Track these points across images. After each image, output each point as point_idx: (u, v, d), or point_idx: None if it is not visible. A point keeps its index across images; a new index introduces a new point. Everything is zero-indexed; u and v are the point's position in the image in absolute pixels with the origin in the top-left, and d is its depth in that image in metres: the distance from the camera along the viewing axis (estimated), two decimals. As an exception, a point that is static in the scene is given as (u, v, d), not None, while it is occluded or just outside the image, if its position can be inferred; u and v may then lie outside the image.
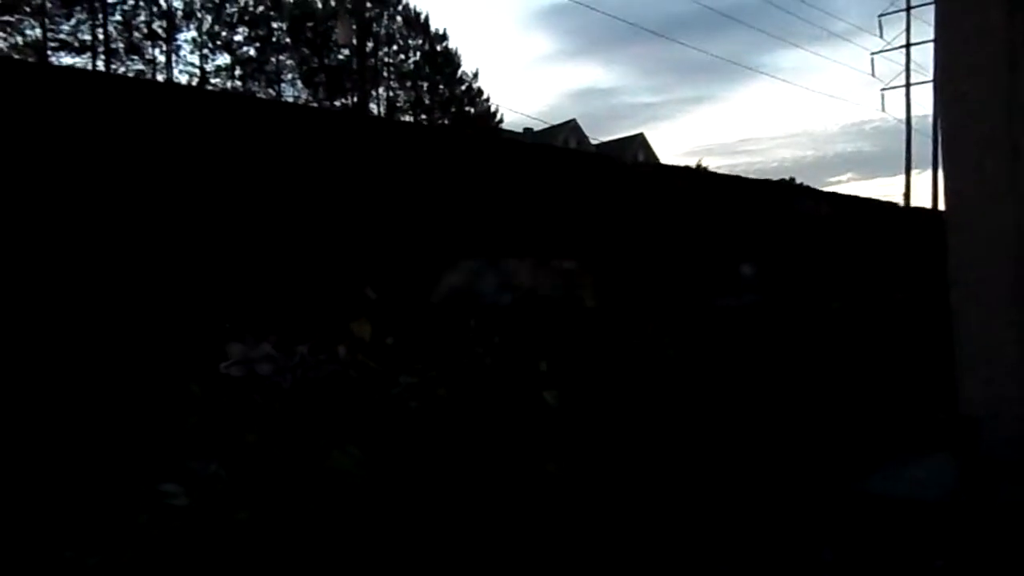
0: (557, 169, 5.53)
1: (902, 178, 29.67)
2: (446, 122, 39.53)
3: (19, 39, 30.36)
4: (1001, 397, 3.23)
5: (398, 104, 40.81)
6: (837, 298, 6.09)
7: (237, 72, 37.15)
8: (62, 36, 31.70)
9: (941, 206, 3.94)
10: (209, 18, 36.58)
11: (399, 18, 40.92)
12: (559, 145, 31.13)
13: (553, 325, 4.11)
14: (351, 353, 2.68)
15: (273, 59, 38.02)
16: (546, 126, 40.95)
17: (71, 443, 2.58)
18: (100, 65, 31.72)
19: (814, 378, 4.33)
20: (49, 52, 30.67)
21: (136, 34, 34.40)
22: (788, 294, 6.24)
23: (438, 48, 41.27)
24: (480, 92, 42.37)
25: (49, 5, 30.90)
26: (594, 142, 44.93)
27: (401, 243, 4.17)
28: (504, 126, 40.57)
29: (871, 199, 9.61)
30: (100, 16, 32.76)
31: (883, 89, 31.89)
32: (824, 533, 2.72)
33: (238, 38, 37.21)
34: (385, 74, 40.54)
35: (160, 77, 34.06)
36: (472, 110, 41.28)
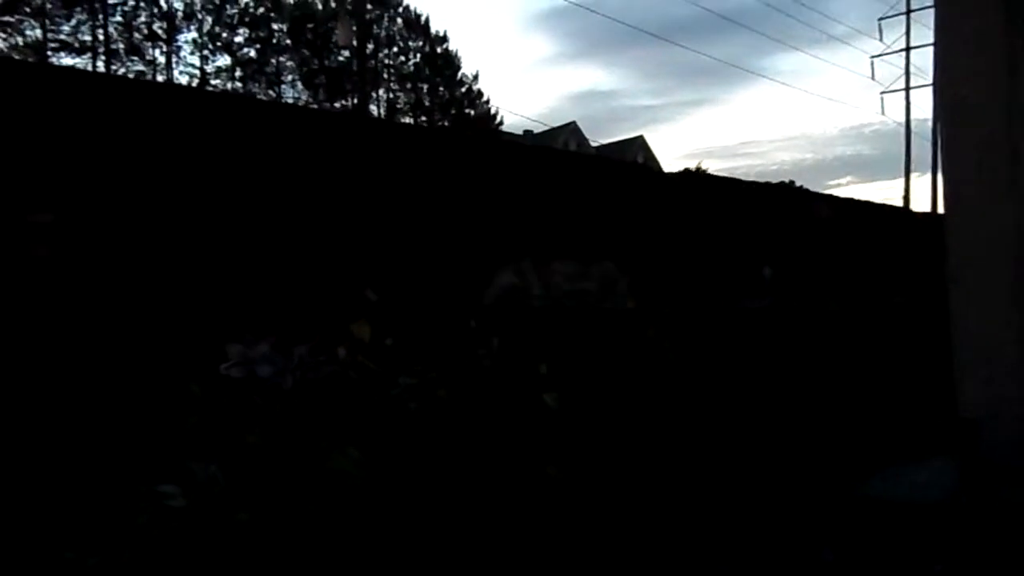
0: (593, 176, 5.78)
1: (901, 181, 29.70)
2: (446, 124, 39.55)
3: (19, 40, 30.38)
4: (1001, 398, 3.23)
5: (398, 106, 40.84)
6: (838, 301, 6.09)
7: (237, 73, 37.17)
8: (62, 37, 31.73)
9: (940, 209, 3.94)
10: (209, 19, 36.61)
11: (399, 20, 40.96)
12: (559, 147, 31.15)
13: (562, 328, 4.14)
14: (351, 354, 2.68)
15: (273, 60, 38.04)
16: (546, 128, 40.92)
17: (71, 445, 2.58)
18: (100, 66, 31.73)
19: (816, 380, 4.33)
20: (49, 53, 30.67)
21: (136, 35, 34.42)
22: (799, 296, 6.28)
23: (438, 50, 41.30)
24: (480, 94, 42.42)
25: (49, 6, 30.90)
26: (594, 144, 44.93)
27: (432, 248, 4.31)
28: (504, 128, 40.61)
29: (877, 203, 9.65)
30: (100, 17, 32.78)
31: (883, 92, 32.00)
32: (824, 535, 2.71)
33: (238, 39, 37.25)
34: (385, 76, 40.57)
35: (160, 78, 34.07)
36: (472, 112, 41.29)
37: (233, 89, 35.85)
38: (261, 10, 37.59)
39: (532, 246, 4.78)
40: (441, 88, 41.54)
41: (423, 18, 41.00)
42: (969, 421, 3.29)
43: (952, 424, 3.36)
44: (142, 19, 34.53)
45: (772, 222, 6.95)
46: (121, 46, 33.87)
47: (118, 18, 33.64)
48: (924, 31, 30.73)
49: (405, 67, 41.22)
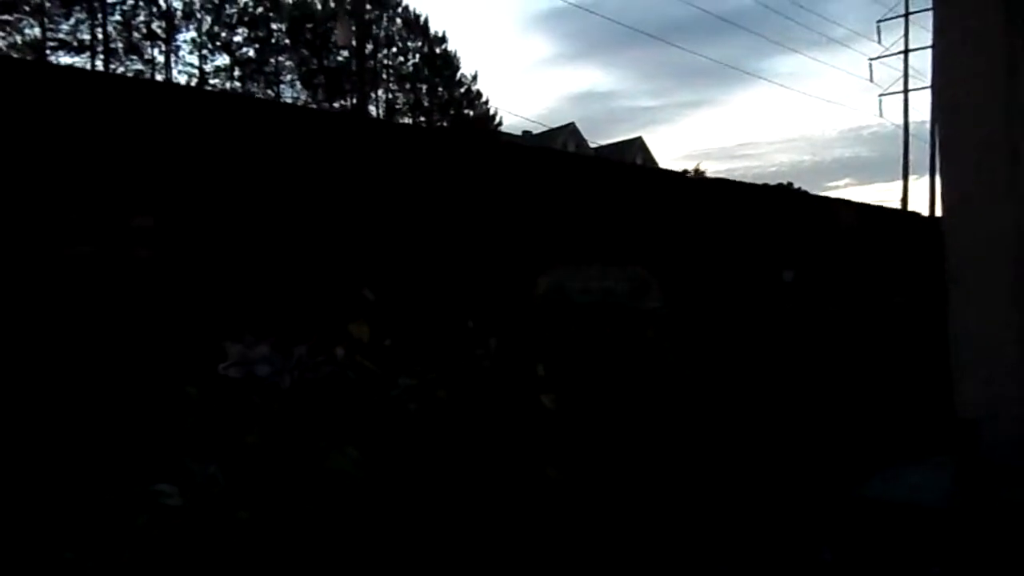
0: (626, 182, 6.03)
1: (900, 183, 29.72)
2: (445, 124, 39.53)
3: (18, 38, 30.34)
4: (1000, 398, 3.23)
5: (397, 106, 40.82)
6: (838, 302, 6.10)
7: (236, 73, 37.14)
8: (61, 36, 31.69)
9: (939, 211, 3.95)
10: (208, 19, 36.59)
11: (398, 20, 40.95)
12: (559, 148, 31.14)
13: (592, 326, 4.23)
14: (349, 355, 2.67)
15: (272, 60, 38.01)
16: (545, 129, 40.94)
17: (71, 446, 2.58)
18: (99, 65, 31.69)
19: (817, 381, 4.33)
20: (48, 52, 30.63)
21: (135, 34, 34.38)
22: (814, 298, 6.36)
23: (437, 50, 41.29)
24: (479, 94, 42.41)
25: (48, 5, 30.86)
26: (593, 145, 44.94)
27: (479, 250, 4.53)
28: (503, 129, 40.59)
29: (877, 206, 9.70)
30: (99, 16, 32.74)
31: (881, 95, 32.09)
32: (823, 535, 2.72)
33: (237, 39, 37.22)
34: (384, 76, 40.55)
35: (159, 77, 34.05)
36: (471, 112, 41.28)
37: (232, 89, 35.82)
38: (260, 10, 37.56)
39: (570, 250, 4.96)
40: (440, 88, 41.53)
41: (422, 18, 41.04)
42: (968, 421, 3.29)
43: (951, 424, 3.37)
44: (141, 18, 34.52)
45: (788, 225, 7.11)
46: (120, 45, 33.85)
47: (117, 17, 33.63)
48: (923, 33, 30.77)
49: (404, 67, 41.21)
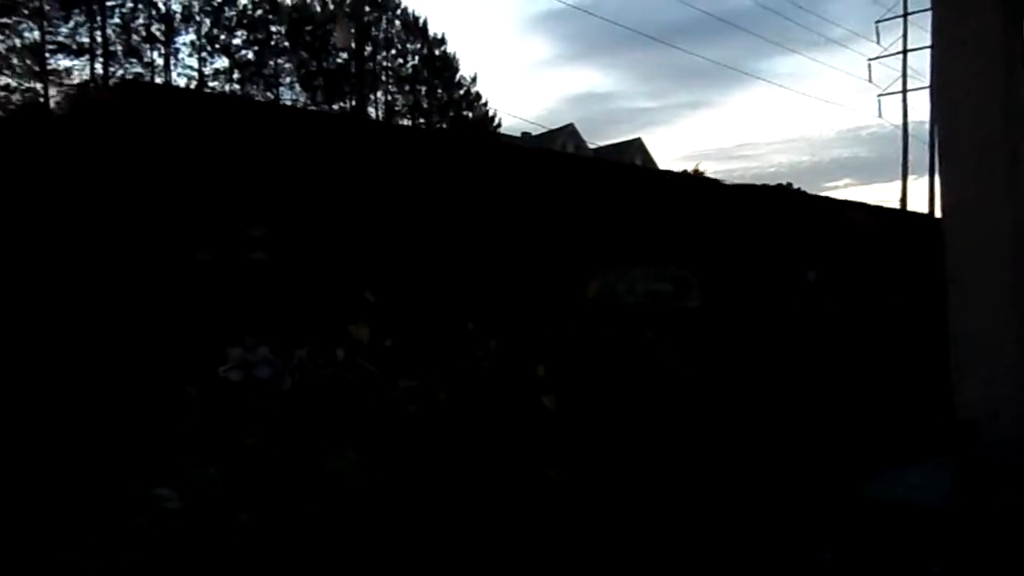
0: (659, 188, 6.54)
1: (899, 183, 29.69)
2: (444, 126, 39.54)
3: (17, 41, 30.35)
4: (1000, 398, 3.23)
5: (396, 108, 40.82)
6: (838, 303, 6.12)
7: (235, 75, 37.14)
8: (60, 39, 31.68)
9: (938, 211, 3.95)
10: (208, 21, 36.59)
11: (398, 22, 40.95)
12: (560, 150, 31.17)
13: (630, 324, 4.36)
14: (349, 356, 2.67)
15: (271, 62, 38.00)
16: (544, 130, 40.94)
17: (70, 447, 2.58)
18: (98, 68, 31.72)
19: (817, 382, 4.34)
20: (47, 55, 30.65)
21: (135, 37, 34.38)
22: (827, 296, 6.48)
23: (436, 52, 41.29)
24: (478, 96, 42.39)
25: (47, 7, 30.87)
26: (591, 146, 44.95)
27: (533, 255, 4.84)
28: (502, 130, 40.60)
29: (876, 205, 9.78)
30: (98, 19, 32.73)
31: (880, 95, 31.99)
32: (823, 536, 2.72)
33: (236, 41, 37.20)
34: (383, 78, 40.55)
35: (159, 80, 34.05)
36: (470, 114, 41.28)
37: (231, 91, 35.82)
38: (259, 12, 37.57)
39: (615, 254, 5.33)
40: (439, 90, 41.54)
41: (421, 20, 41.02)
42: (968, 421, 3.30)
43: (951, 425, 3.37)
44: (140, 21, 34.51)
45: (809, 227, 7.35)
46: (119, 48, 33.85)
47: (116, 20, 33.62)
48: (921, 34, 30.76)
49: (403, 69, 41.21)
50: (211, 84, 36.11)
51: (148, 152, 3.35)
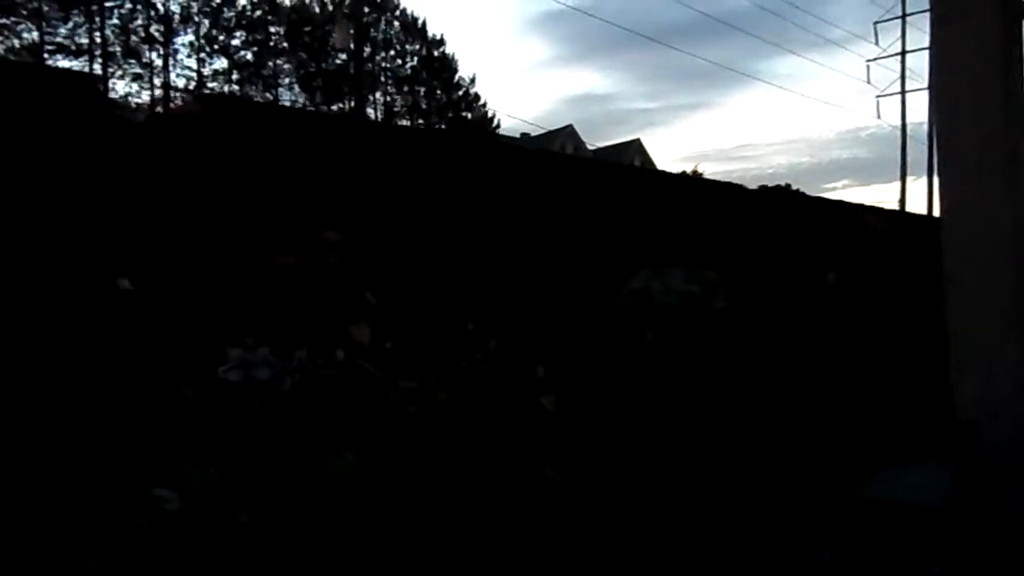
0: (691, 195, 6.85)
1: (897, 184, 29.71)
2: (443, 127, 39.52)
3: (16, 42, 30.31)
4: (999, 399, 3.23)
5: (395, 108, 40.81)
6: (840, 304, 6.13)
7: (234, 76, 37.11)
8: (59, 39, 31.66)
9: (936, 212, 3.96)
10: (206, 22, 36.57)
11: (397, 23, 40.96)
12: (559, 151, 31.18)
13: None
14: (349, 357, 2.67)
15: (270, 63, 37.99)
16: (543, 131, 40.95)
17: (70, 448, 2.57)
18: (97, 69, 31.68)
19: (816, 383, 4.34)
20: (46, 55, 30.61)
21: (133, 38, 34.35)
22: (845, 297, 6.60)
23: (435, 53, 41.30)
24: (477, 97, 42.42)
25: (46, 8, 30.83)
26: (591, 147, 44.99)
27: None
28: (501, 131, 40.60)
29: (880, 207, 9.89)
30: (97, 19, 32.70)
31: (879, 96, 32.01)
32: (823, 537, 2.71)
33: (235, 42, 37.19)
34: (382, 78, 40.54)
35: (157, 81, 34.06)
36: (469, 115, 41.28)
37: (230, 92, 35.79)
38: (258, 13, 37.55)
39: (650, 256, 5.64)
40: (438, 91, 41.54)
41: (420, 21, 41.05)
42: (967, 422, 3.29)
43: (950, 425, 3.37)
44: (139, 22, 34.49)
45: (828, 231, 7.52)
46: (118, 49, 33.82)
47: (115, 21, 33.59)
48: (920, 35, 30.86)
49: (402, 70, 41.21)
50: (210, 85, 36.11)
51: (227, 160, 3.63)
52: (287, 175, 3.86)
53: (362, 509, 2.26)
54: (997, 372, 3.26)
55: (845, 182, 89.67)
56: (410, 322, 3.48)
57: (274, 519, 2.12)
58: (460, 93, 41.85)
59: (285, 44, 38.10)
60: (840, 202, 8.79)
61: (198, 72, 36.35)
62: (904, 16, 30.49)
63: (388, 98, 41.05)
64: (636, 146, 51.09)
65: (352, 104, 33.87)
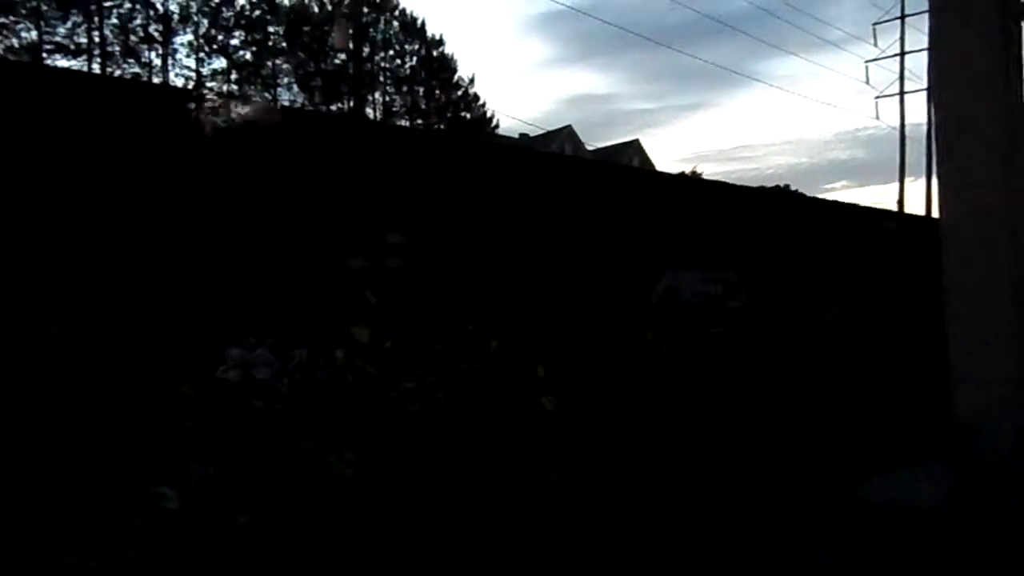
0: (713, 198, 7.02)
1: (896, 185, 29.78)
2: (442, 127, 39.51)
3: (15, 41, 30.28)
4: (998, 401, 3.23)
5: (394, 109, 40.80)
6: (834, 305, 6.13)
7: (233, 76, 37.09)
8: (58, 39, 31.63)
9: (935, 213, 3.96)
10: (205, 22, 36.55)
11: (396, 23, 40.95)
12: (556, 151, 31.20)
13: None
14: (349, 357, 2.67)
15: (269, 63, 37.96)
16: (542, 132, 40.98)
17: (71, 449, 2.57)
18: (96, 68, 31.64)
19: (815, 384, 4.34)
20: (44, 55, 30.58)
21: (132, 37, 34.32)
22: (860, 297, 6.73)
23: (434, 53, 41.29)
24: (476, 97, 42.42)
25: (45, 8, 30.79)
26: (590, 148, 45.00)
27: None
28: (500, 131, 40.61)
29: (886, 210, 10.04)
30: (96, 19, 32.67)
31: (877, 97, 32.14)
32: (821, 538, 2.72)
33: (234, 42, 37.17)
34: (381, 79, 40.53)
35: (156, 80, 34.00)
36: (468, 115, 41.28)
37: (229, 91, 35.78)
38: (257, 13, 37.53)
39: (673, 256, 5.87)
40: (437, 91, 41.53)
41: (419, 21, 41.04)
42: (965, 425, 3.30)
43: (949, 427, 3.37)
44: (138, 21, 34.47)
45: (840, 232, 7.71)
46: (117, 48, 33.79)
47: (114, 20, 33.57)
48: (918, 36, 30.94)
49: (401, 70, 41.20)
50: (209, 84, 36.08)
51: (297, 167, 3.95)
52: (288, 176, 3.94)
53: (362, 509, 2.26)
54: (995, 375, 3.26)
55: (843, 183, 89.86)
56: (410, 322, 3.47)
57: (274, 519, 2.12)
58: (459, 93, 41.85)
59: (284, 44, 38.09)
60: (839, 203, 8.86)
61: (197, 72, 36.35)
62: (903, 17, 30.56)
63: (387, 98, 41.05)
64: (635, 147, 51.09)
65: (351, 104, 33.86)
